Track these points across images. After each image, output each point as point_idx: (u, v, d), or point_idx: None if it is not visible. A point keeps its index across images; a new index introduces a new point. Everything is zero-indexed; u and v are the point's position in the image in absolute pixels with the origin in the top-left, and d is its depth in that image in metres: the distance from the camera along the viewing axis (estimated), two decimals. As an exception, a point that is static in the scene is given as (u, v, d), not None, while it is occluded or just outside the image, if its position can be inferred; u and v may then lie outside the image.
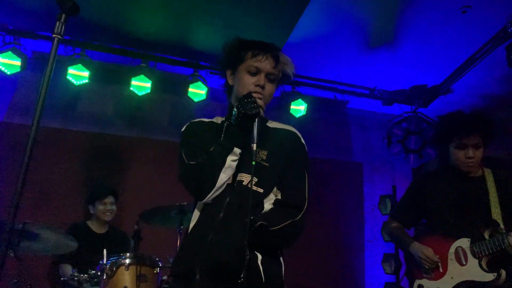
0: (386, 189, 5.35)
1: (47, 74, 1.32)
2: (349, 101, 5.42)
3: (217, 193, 1.79)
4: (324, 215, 5.10)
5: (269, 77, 1.90)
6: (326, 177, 5.27)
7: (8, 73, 4.14)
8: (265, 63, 1.88)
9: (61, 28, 1.38)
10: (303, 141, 1.99)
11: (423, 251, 2.68)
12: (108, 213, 3.99)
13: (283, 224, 1.78)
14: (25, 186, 4.30)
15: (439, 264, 2.65)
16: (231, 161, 1.79)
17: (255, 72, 1.88)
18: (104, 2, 3.85)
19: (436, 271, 2.67)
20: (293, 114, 4.83)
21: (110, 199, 4.01)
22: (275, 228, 1.76)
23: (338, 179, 5.38)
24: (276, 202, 1.86)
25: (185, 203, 3.24)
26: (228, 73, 1.97)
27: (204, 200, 1.79)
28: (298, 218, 1.82)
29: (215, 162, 1.78)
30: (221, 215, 1.74)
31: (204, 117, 2.05)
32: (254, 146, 1.73)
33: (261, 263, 1.75)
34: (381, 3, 3.91)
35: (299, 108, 4.86)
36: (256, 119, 1.77)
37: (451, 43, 4.35)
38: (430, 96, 5.18)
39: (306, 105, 4.86)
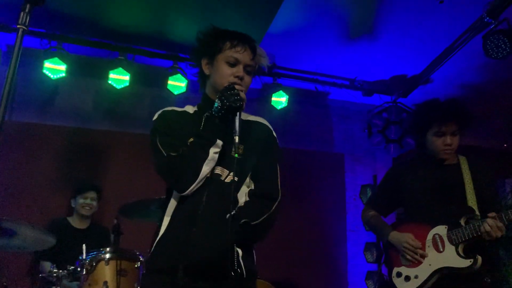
0: (367, 179, 5.40)
1: (11, 66, 1.28)
2: (330, 93, 5.44)
3: (199, 185, 1.77)
4: (305, 206, 5.13)
5: (247, 68, 1.89)
6: (307, 168, 5.30)
7: (-18, 67, 4.05)
8: (244, 55, 1.88)
9: (26, 19, 1.34)
10: (274, 134, 2.01)
11: (408, 240, 2.68)
12: (87, 208, 3.95)
13: (262, 218, 1.80)
14: (1, 182, 4.24)
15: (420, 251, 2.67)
16: (214, 153, 1.78)
17: (234, 63, 1.87)
18: (79, -6, 3.78)
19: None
20: (275, 106, 4.83)
21: (91, 194, 3.99)
22: (256, 222, 1.78)
23: (320, 170, 5.41)
24: (250, 194, 1.87)
25: (165, 196, 3.21)
26: (204, 62, 1.94)
27: (186, 193, 1.77)
28: (273, 209, 1.84)
29: (197, 154, 1.76)
30: (201, 210, 1.73)
31: (179, 108, 2.01)
32: (237, 138, 1.71)
33: (242, 259, 1.77)
34: (360, -7, 3.93)
35: (280, 99, 4.86)
36: (239, 112, 1.76)
37: (429, 33, 4.38)
38: (410, 86, 5.22)
39: (288, 96, 4.86)
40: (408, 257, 2.66)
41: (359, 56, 4.78)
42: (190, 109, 2.00)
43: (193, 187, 1.76)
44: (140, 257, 3.10)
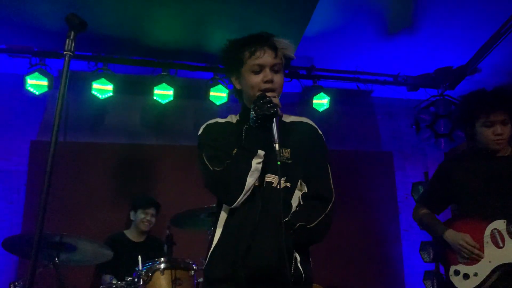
0: (418, 176, 5.24)
1: (61, 90, 1.37)
2: (373, 90, 5.34)
3: (246, 196, 1.78)
4: (357, 207, 5.05)
5: (273, 68, 1.86)
6: (356, 169, 5.22)
7: (37, 93, 4.30)
8: (266, 57, 1.84)
9: (71, 45, 1.43)
10: (320, 132, 1.98)
11: (465, 238, 2.58)
12: (147, 223, 4.09)
13: (318, 220, 1.79)
14: (60, 201, 4.48)
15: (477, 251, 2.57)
16: (256, 163, 1.78)
17: (259, 70, 1.85)
18: (120, 16, 3.94)
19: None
20: (316, 108, 4.80)
21: (152, 210, 4.13)
22: (312, 225, 1.78)
23: (368, 170, 5.31)
24: (304, 196, 1.86)
25: (214, 205, 3.26)
26: (233, 78, 1.95)
27: (234, 205, 1.79)
28: (327, 210, 1.83)
29: (241, 166, 1.77)
30: (257, 219, 1.73)
31: (222, 119, 2.03)
32: (277, 146, 1.71)
33: (300, 264, 1.77)
34: (395, -13, 3.85)
35: (322, 102, 4.83)
36: (276, 119, 1.76)
37: (472, 21, 4.23)
38: (457, 77, 5.04)
39: (329, 98, 4.82)
40: (465, 255, 2.57)
41: (400, 51, 4.69)
42: (233, 118, 2.01)
43: (240, 199, 1.77)
44: (194, 265, 3.17)
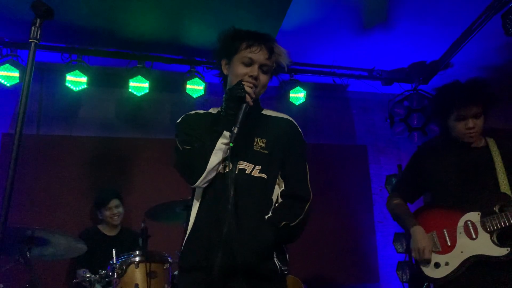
0: (392, 169, 5.34)
1: (26, 79, 1.34)
2: (349, 85, 5.40)
3: (210, 176, 1.82)
4: (332, 200, 5.11)
5: (262, 68, 1.91)
6: (331, 162, 5.28)
7: (8, 85, 4.20)
8: (259, 54, 1.89)
9: (37, 33, 1.40)
10: (300, 130, 2.02)
11: (424, 248, 2.59)
12: (116, 217, 4.05)
13: (298, 219, 1.83)
14: (33, 194, 4.40)
15: (431, 256, 2.59)
16: (221, 143, 1.81)
17: (249, 63, 1.90)
18: (95, 6, 3.87)
19: (443, 245, 2.60)
20: (293, 102, 4.84)
21: (114, 202, 4.06)
22: (293, 224, 1.82)
23: (344, 164, 5.38)
24: (282, 194, 1.89)
25: (189, 197, 3.26)
26: (223, 62, 1.99)
27: (197, 184, 1.82)
28: (305, 211, 1.87)
29: (205, 145, 1.82)
30: (230, 206, 1.73)
31: (203, 110, 2.08)
32: (236, 129, 1.76)
33: (277, 258, 1.81)
34: (371, -17, 3.89)
35: (298, 95, 4.87)
36: (244, 105, 1.81)
37: (445, 17, 4.30)
38: (430, 72, 5.14)
39: (305, 92, 4.86)
40: (416, 257, 2.61)
41: (375, 46, 4.74)
42: (214, 110, 2.05)
43: (203, 177, 1.81)
44: (169, 258, 3.16)
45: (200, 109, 2.08)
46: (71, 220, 4.35)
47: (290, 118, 2.04)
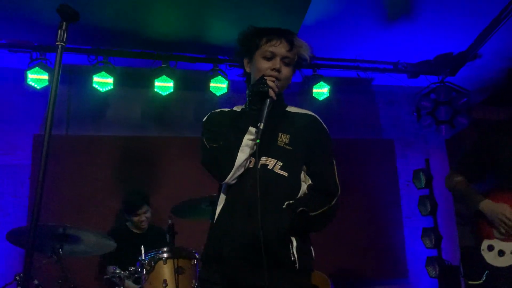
0: (419, 163, 5.24)
1: (54, 81, 1.39)
2: (374, 78, 5.34)
3: (238, 172, 1.84)
4: (358, 196, 5.07)
5: (284, 60, 1.91)
6: (357, 157, 5.23)
7: (38, 87, 4.33)
8: (280, 47, 1.90)
9: (63, 36, 1.45)
10: (325, 125, 2.00)
11: (505, 211, 2.40)
12: (144, 223, 4.08)
13: (321, 210, 1.82)
14: (64, 193, 4.51)
15: None
16: (248, 139, 1.83)
17: (270, 57, 1.90)
18: (119, 8, 3.95)
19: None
20: (316, 97, 4.81)
21: (143, 209, 4.07)
22: (314, 213, 1.81)
23: (370, 159, 5.32)
24: (309, 188, 1.89)
25: (215, 194, 3.30)
26: (245, 61, 2.00)
27: (226, 180, 1.84)
28: (332, 204, 1.86)
29: (232, 142, 1.84)
30: (252, 199, 1.74)
31: (227, 108, 2.10)
32: (261, 125, 1.77)
33: (296, 251, 1.79)
34: (393, -26, 3.83)
35: (322, 90, 4.84)
36: (268, 100, 1.82)
37: (472, 7, 4.19)
38: (457, 63, 5.02)
39: (329, 87, 4.82)
40: (503, 230, 2.41)
41: (400, 38, 4.66)
42: (238, 108, 2.06)
43: (231, 174, 1.82)
44: (196, 254, 3.20)
45: (223, 106, 2.11)
46: (101, 217, 4.46)
47: (314, 114, 2.03)
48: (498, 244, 2.43)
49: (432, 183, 4.96)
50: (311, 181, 1.90)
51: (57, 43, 1.45)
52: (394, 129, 5.58)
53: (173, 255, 3.09)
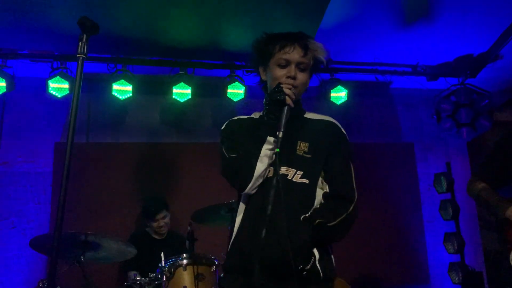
0: (441, 167, 5.16)
1: (75, 91, 1.41)
2: (392, 81, 5.29)
3: (258, 182, 1.82)
4: (379, 200, 5.01)
5: (299, 66, 1.89)
6: (376, 161, 5.18)
7: (59, 96, 4.40)
8: (293, 54, 1.87)
9: (84, 48, 1.47)
10: (343, 130, 1.97)
11: None
12: (163, 228, 4.13)
13: (339, 219, 1.79)
14: (85, 200, 4.56)
15: None
16: (266, 149, 1.81)
17: (284, 65, 1.88)
18: (136, 17, 4.00)
19: None
20: (334, 101, 4.78)
21: (162, 214, 4.12)
22: (332, 224, 1.78)
23: (390, 162, 5.26)
24: (325, 196, 1.86)
25: (233, 200, 3.31)
26: (261, 69, 1.99)
27: (246, 191, 1.83)
28: (350, 210, 1.83)
29: (251, 152, 1.83)
30: (269, 209, 1.71)
31: (245, 115, 2.08)
32: (280, 134, 1.74)
33: (319, 262, 1.77)
34: (411, -24, 3.79)
35: (339, 95, 4.81)
36: (285, 108, 1.79)
37: (492, 7, 4.13)
38: (478, 65, 4.93)
39: (347, 91, 4.79)
40: None
41: (418, 40, 4.61)
42: (256, 115, 2.05)
43: (251, 184, 1.81)
44: (216, 261, 3.21)
45: (241, 112, 2.11)
46: (121, 224, 4.50)
47: (333, 120, 2.00)
48: None
49: (453, 187, 4.88)
50: (328, 187, 1.87)
51: (78, 55, 1.47)
52: (413, 133, 5.52)
53: (193, 261, 3.11)
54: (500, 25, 4.40)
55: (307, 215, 1.80)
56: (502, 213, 2.45)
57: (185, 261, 3.11)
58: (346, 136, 1.97)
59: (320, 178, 1.89)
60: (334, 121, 2.00)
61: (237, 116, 2.07)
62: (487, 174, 2.66)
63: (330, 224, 1.77)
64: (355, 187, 1.89)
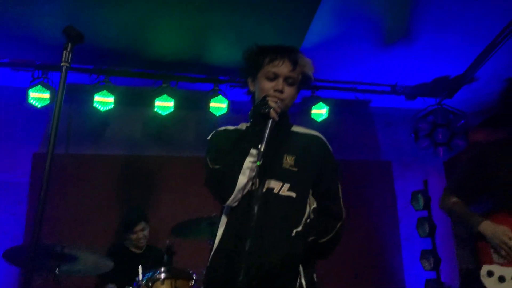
0: (418, 185, 5.25)
1: (58, 101, 1.41)
2: (372, 100, 5.39)
3: (240, 195, 1.82)
4: (357, 217, 5.05)
5: (287, 80, 1.90)
6: (355, 178, 5.23)
7: (39, 106, 4.35)
8: (282, 67, 1.89)
9: (69, 57, 1.48)
10: (330, 147, 2.00)
11: (505, 232, 2.34)
12: (142, 240, 4.09)
13: (329, 236, 1.82)
14: (62, 212, 4.48)
15: None
16: (249, 162, 1.80)
17: (273, 78, 1.89)
18: (121, 28, 4.01)
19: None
20: (315, 118, 4.85)
21: (140, 226, 4.08)
22: (323, 240, 1.81)
23: (368, 180, 5.33)
24: (315, 211, 1.88)
25: (214, 214, 3.30)
26: (249, 80, 2.01)
27: (228, 203, 1.83)
28: (338, 228, 1.86)
29: (234, 164, 1.82)
30: (254, 222, 1.70)
31: (232, 126, 2.08)
32: (262, 147, 1.73)
33: (304, 279, 1.78)
34: (391, -2, 3.91)
35: (320, 111, 4.88)
36: (270, 121, 1.78)
37: (469, 31, 4.26)
38: (454, 86, 5.08)
39: (328, 108, 4.87)
40: (504, 253, 2.34)
41: (397, 61, 4.72)
42: (243, 125, 2.04)
43: (233, 196, 1.81)
44: (194, 275, 3.18)
45: (225, 126, 2.10)
46: (99, 237, 4.43)
47: (320, 135, 2.02)
48: (498, 270, 2.36)
49: (430, 205, 4.96)
50: (316, 202, 1.89)
51: (62, 64, 1.47)
52: (392, 151, 5.61)
53: (171, 275, 3.08)
54: (476, 48, 4.54)
55: (299, 229, 1.80)
56: (475, 227, 2.46)
57: (163, 275, 3.07)
58: (332, 152, 1.99)
59: (308, 193, 1.90)
60: (321, 136, 2.02)
61: (224, 126, 2.07)
62: (460, 189, 2.67)
63: (321, 241, 1.80)
64: (342, 206, 1.92)
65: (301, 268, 1.78)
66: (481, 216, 2.50)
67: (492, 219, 2.46)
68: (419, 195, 4.99)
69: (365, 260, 5.00)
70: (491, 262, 2.39)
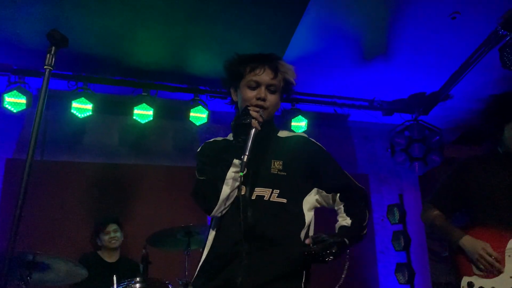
0: (393, 199, 5.35)
1: (40, 105, 1.39)
2: (350, 114, 5.48)
3: (224, 206, 1.81)
4: (333, 230, 5.08)
5: (270, 88, 1.90)
6: (332, 191, 5.27)
7: (15, 111, 4.27)
8: (264, 76, 1.88)
9: (52, 60, 1.46)
10: (317, 142, 2.00)
11: (486, 248, 2.37)
12: (114, 241, 4.03)
13: (367, 217, 1.94)
14: (35, 219, 4.38)
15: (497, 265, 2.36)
16: (233, 172, 1.80)
17: (255, 86, 1.89)
18: (102, 35, 3.98)
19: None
20: (295, 130, 4.88)
21: (112, 227, 4.06)
22: (365, 223, 1.96)
23: (345, 193, 5.37)
24: (341, 198, 1.94)
25: (191, 224, 3.28)
26: (232, 90, 2.00)
27: (212, 214, 1.82)
28: (368, 204, 1.98)
29: (217, 175, 1.81)
30: (246, 230, 1.71)
31: (207, 140, 2.07)
32: (245, 157, 1.73)
33: (304, 283, 1.83)
34: (371, 16, 3.99)
35: (299, 124, 4.93)
36: (252, 131, 1.77)
37: (444, 50, 4.40)
38: (430, 103, 5.22)
39: (307, 121, 4.93)
40: (482, 266, 2.38)
41: (376, 76, 4.83)
42: (231, 136, 2.02)
43: (217, 207, 1.80)
44: (170, 286, 3.14)
45: (202, 137, 2.12)
46: (72, 245, 4.33)
47: (304, 135, 2.03)
48: (478, 281, 2.39)
49: (406, 219, 5.04)
50: (339, 195, 1.93)
51: (45, 67, 1.46)
52: (369, 164, 5.70)
53: (147, 285, 3.03)
54: (450, 67, 4.69)
55: (341, 223, 1.94)
56: (456, 241, 2.51)
57: (138, 285, 3.02)
58: (319, 144, 2.00)
59: (331, 195, 1.94)
60: (304, 135, 2.03)
61: (200, 141, 2.10)
62: (442, 202, 2.69)
63: (364, 224, 1.92)
64: (354, 179, 1.97)
65: (303, 273, 1.83)
66: (462, 230, 2.55)
67: (472, 232, 2.51)
68: (395, 209, 5.07)
69: (340, 273, 5.01)
70: (471, 274, 2.43)
